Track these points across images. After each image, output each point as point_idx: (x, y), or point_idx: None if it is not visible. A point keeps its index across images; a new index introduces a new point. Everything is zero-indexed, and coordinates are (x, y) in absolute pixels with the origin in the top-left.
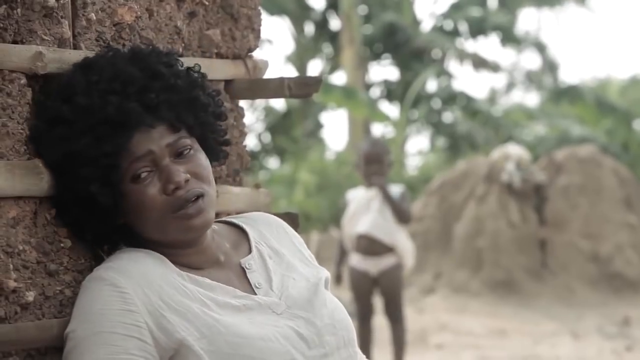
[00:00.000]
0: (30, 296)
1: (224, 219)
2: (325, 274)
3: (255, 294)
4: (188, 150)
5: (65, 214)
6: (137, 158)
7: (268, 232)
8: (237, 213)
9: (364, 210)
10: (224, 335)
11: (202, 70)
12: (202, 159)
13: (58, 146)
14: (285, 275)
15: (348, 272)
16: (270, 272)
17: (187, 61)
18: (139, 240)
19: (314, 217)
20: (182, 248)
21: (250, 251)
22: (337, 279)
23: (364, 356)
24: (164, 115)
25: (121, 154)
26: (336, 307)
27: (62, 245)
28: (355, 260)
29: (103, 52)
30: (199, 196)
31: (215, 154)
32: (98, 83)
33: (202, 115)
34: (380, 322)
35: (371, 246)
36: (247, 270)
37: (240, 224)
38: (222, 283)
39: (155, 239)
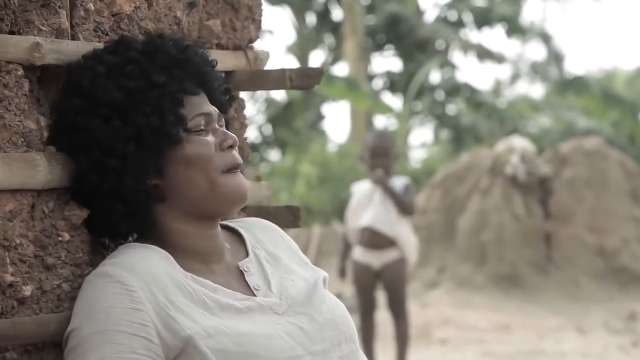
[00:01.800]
0: (27, 291)
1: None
2: (323, 274)
3: (255, 296)
4: (224, 126)
5: (90, 179)
6: (199, 114)
7: (263, 236)
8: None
9: (366, 203)
10: (229, 336)
11: None
12: None
13: (128, 82)
14: (284, 278)
15: (351, 266)
16: (268, 275)
17: None
18: (152, 224)
19: (315, 211)
20: (200, 225)
21: (247, 255)
22: (341, 273)
23: (363, 355)
24: (216, 90)
25: (187, 103)
26: (336, 303)
27: (59, 239)
28: (358, 253)
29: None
30: (242, 166)
31: None
32: (167, 37)
33: (226, 103)
34: (383, 317)
35: (374, 239)
36: (245, 273)
37: (237, 228)
38: (223, 286)
39: (193, 200)
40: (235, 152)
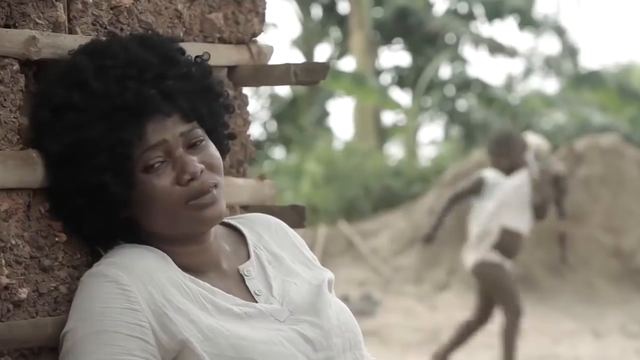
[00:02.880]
0: (24, 293)
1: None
2: (329, 275)
3: (256, 301)
4: (200, 142)
5: (63, 208)
6: (151, 147)
7: (267, 234)
8: (241, 206)
9: (518, 204)
10: (227, 339)
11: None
12: (214, 150)
13: (66, 135)
14: (286, 281)
15: (483, 267)
16: (269, 279)
17: (189, 46)
18: (139, 237)
19: (321, 210)
20: (186, 245)
21: (248, 257)
22: (430, 237)
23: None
24: (179, 104)
25: (135, 142)
26: (341, 309)
27: (57, 239)
28: (495, 256)
29: (110, 37)
30: (213, 187)
31: (222, 147)
32: (113, 68)
33: (215, 106)
34: (385, 320)
35: (515, 243)
36: (245, 278)
37: (238, 226)
38: (222, 290)
39: (162, 233)
40: (200, 180)
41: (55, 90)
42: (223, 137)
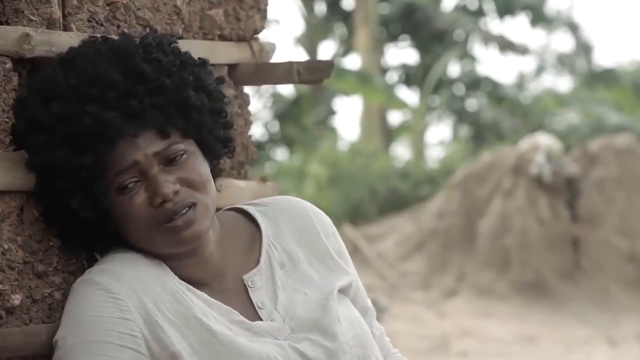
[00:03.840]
0: (17, 299)
1: (243, 206)
2: (341, 282)
3: (258, 314)
4: (180, 156)
5: (52, 218)
6: (122, 170)
7: (288, 227)
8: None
9: None
10: (218, 353)
11: (204, 54)
12: (198, 163)
13: (37, 153)
14: (296, 290)
15: None
16: (277, 288)
17: (188, 44)
18: (133, 246)
19: (325, 213)
20: (183, 258)
21: (259, 260)
22: None
23: None
24: (149, 122)
25: (103, 165)
26: (351, 322)
27: (51, 244)
28: None
29: (85, 47)
30: (190, 207)
31: (216, 152)
32: (76, 87)
33: (196, 117)
34: (393, 326)
35: None
36: (249, 289)
37: (257, 216)
38: (222, 301)
39: (147, 251)
40: (172, 202)
41: (30, 103)
42: (215, 143)
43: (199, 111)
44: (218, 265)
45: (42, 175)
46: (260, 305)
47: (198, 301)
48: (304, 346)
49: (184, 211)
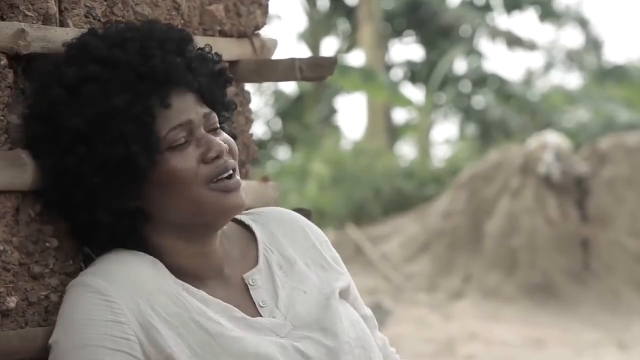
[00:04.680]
0: (12, 302)
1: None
2: (341, 283)
3: (259, 312)
4: (217, 129)
5: (69, 197)
6: (176, 126)
7: (281, 233)
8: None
9: None
10: (217, 356)
11: None
12: (230, 137)
13: (88, 107)
14: (295, 289)
15: None
16: (277, 288)
17: None
18: (141, 235)
19: (328, 214)
20: (192, 243)
21: (257, 261)
22: None
23: None
24: (201, 80)
25: (160, 117)
26: (352, 323)
27: (47, 245)
28: None
29: (111, 24)
30: (233, 170)
31: None
32: (132, 40)
33: (225, 93)
34: (399, 330)
35: None
36: (250, 287)
37: (251, 224)
38: (221, 299)
39: (176, 222)
40: (224, 159)
41: (66, 69)
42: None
43: (227, 87)
44: (219, 263)
45: (86, 133)
46: (261, 304)
47: (195, 301)
48: (305, 345)
49: (231, 172)
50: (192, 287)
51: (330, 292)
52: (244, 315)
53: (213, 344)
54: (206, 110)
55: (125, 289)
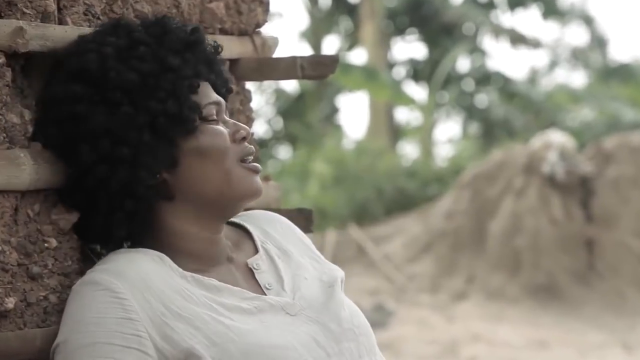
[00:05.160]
0: (10, 303)
1: None
2: (340, 274)
3: (266, 295)
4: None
5: (94, 175)
6: (211, 102)
7: (272, 229)
8: (244, 209)
9: None
10: (236, 344)
11: None
12: None
13: (143, 64)
14: (297, 275)
15: None
16: (280, 272)
17: None
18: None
19: (330, 214)
20: (205, 228)
21: (256, 251)
22: None
23: None
24: (218, 72)
25: (201, 89)
26: (355, 311)
27: (46, 245)
28: None
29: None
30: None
31: None
32: (164, 20)
33: (229, 91)
34: (402, 331)
35: None
36: (255, 271)
37: (242, 222)
38: (230, 284)
39: (206, 196)
40: (249, 142)
41: (110, 38)
42: None
43: (228, 91)
44: (222, 252)
45: (131, 93)
46: (267, 286)
47: (206, 293)
48: (315, 330)
49: (252, 157)
50: (202, 277)
51: (333, 280)
52: (256, 294)
53: (230, 333)
54: (222, 99)
55: (136, 286)
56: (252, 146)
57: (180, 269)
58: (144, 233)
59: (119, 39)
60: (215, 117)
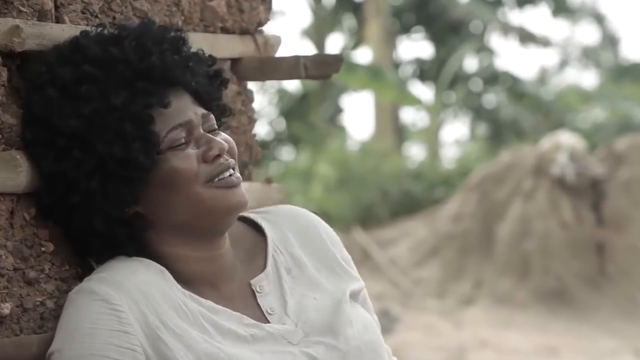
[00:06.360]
0: (6, 308)
1: (245, 214)
2: (353, 286)
3: (267, 320)
4: (215, 130)
5: (63, 203)
6: (176, 126)
7: (293, 233)
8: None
9: None
10: None
11: (205, 48)
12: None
13: (84, 106)
14: (305, 296)
15: None
16: (285, 294)
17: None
18: (141, 243)
19: (334, 217)
20: (199, 248)
21: (265, 265)
22: None
23: None
24: (199, 80)
25: (159, 117)
26: (364, 325)
27: (43, 249)
28: None
29: (103, 27)
30: (234, 169)
31: None
32: (127, 38)
33: (221, 96)
34: (407, 337)
35: None
36: (257, 294)
37: (261, 222)
38: (229, 307)
39: (180, 224)
40: (225, 158)
41: (59, 70)
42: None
43: (223, 90)
44: (227, 268)
45: (84, 135)
46: (269, 311)
47: (203, 310)
48: (317, 350)
49: (232, 171)
50: (200, 298)
51: (342, 296)
52: (255, 322)
53: (222, 354)
54: (204, 111)
55: (133, 298)
56: (228, 160)
57: (180, 286)
58: (134, 252)
59: (69, 69)
60: (183, 140)
